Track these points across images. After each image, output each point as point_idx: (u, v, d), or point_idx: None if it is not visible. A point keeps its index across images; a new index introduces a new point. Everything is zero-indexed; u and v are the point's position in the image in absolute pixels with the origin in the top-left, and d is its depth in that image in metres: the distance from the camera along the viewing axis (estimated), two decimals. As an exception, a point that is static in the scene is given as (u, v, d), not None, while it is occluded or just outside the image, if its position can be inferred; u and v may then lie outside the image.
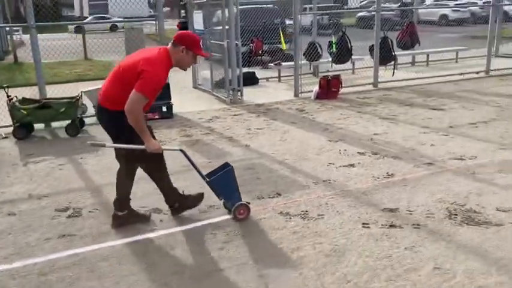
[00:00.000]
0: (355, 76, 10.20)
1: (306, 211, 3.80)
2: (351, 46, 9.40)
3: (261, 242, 3.35)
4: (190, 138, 6.11)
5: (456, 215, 3.63)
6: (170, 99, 7.28)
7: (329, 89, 8.33)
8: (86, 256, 3.24)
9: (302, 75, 8.93)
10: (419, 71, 10.78)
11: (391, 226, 3.48)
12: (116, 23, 25.96)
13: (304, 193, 4.18)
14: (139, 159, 3.57)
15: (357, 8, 26.78)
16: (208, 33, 9.20)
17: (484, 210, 3.69)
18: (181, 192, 3.85)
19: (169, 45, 3.45)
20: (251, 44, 10.28)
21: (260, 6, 12.35)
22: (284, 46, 10.51)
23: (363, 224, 3.54)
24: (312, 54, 9.87)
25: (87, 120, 6.85)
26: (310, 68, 10.46)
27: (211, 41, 8.91)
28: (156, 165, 3.67)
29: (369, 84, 9.30)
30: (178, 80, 8.85)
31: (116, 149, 3.60)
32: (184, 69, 3.59)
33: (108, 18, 26.73)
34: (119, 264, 3.13)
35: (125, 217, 3.67)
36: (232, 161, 4.24)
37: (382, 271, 2.90)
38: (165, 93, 6.73)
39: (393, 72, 9.34)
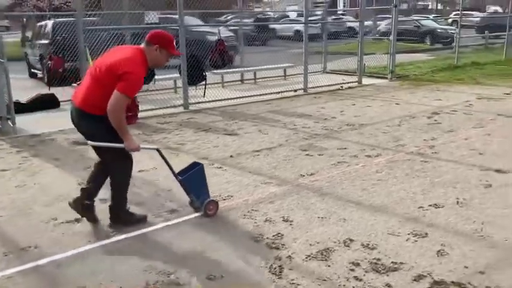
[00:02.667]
0: (170, 97, 9.42)
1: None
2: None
3: None
4: None
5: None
6: None
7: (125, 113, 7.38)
8: None
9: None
10: (246, 89, 10.43)
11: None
12: None
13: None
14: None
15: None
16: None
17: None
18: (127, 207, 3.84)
19: (143, 44, 3.51)
20: (49, 62, 9.00)
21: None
22: (91, 64, 9.34)
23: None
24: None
25: None
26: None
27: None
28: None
29: (179, 106, 8.59)
30: None
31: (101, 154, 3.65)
32: (158, 67, 3.75)
33: None
34: None
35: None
36: None
37: None
38: None
39: (204, 93, 8.73)
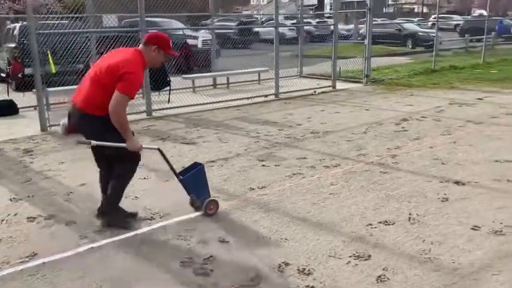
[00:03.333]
0: (136, 102, 9.08)
1: None
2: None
3: None
4: None
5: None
6: None
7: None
8: None
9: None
10: (217, 95, 10.16)
11: None
12: None
13: None
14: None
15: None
16: None
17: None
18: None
19: (141, 45, 3.62)
20: (8, 67, 8.62)
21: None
22: (53, 69, 9.04)
23: None
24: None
25: None
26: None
27: None
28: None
29: (142, 112, 8.28)
30: None
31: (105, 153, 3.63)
32: (155, 67, 3.79)
33: None
34: None
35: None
36: None
37: None
38: None
39: (169, 99, 8.43)
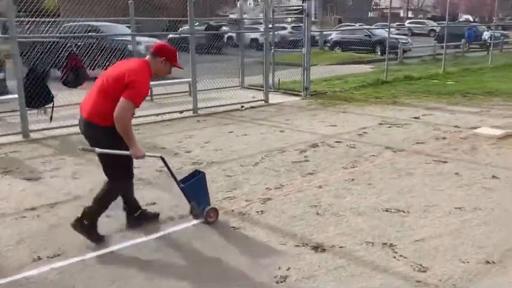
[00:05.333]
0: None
1: None
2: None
3: None
4: None
5: None
6: None
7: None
8: None
9: None
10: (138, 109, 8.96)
11: None
12: None
13: None
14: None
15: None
16: None
17: None
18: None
19: (148, 56, 3.65)
20: None
21: None
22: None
23: None
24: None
25: None
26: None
27: None
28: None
29: (17, 133, 7.07)
30: None
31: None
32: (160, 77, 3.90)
33: None
34: None
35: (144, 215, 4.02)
36: None
37: None
38: None
39: (51, 117, 7.24)
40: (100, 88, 3.51)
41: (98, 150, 3.51)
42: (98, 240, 3.66)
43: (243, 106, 9.58)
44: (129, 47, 13.12)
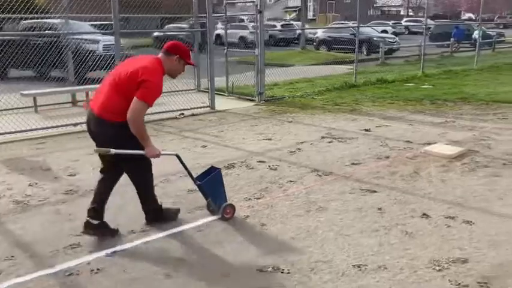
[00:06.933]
0: None
1: None
2: None
3: None
4: None
5: None
6: None
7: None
8: None
9: None
10: (64, 116, 7.90)
11: None
12: None
13: None
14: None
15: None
16: None
17: None
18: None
19: (161, 54, 3.62)
20: None
21: None
22: None
23: None
24: None
25: None
26: None
27: None
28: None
29: None
30: None
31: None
32: (174, 78, 3.74)
33: None
34: None
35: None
36: None
37: None
38: None
39: None
40: (111, 84, 3.47)
41: (113, 151, 3.41)
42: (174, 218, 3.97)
43: (182, 113, 8.54)
44: (87, 46, 12.30)
